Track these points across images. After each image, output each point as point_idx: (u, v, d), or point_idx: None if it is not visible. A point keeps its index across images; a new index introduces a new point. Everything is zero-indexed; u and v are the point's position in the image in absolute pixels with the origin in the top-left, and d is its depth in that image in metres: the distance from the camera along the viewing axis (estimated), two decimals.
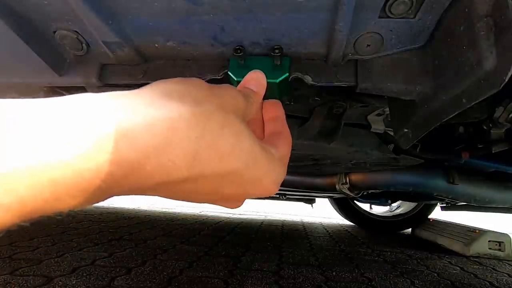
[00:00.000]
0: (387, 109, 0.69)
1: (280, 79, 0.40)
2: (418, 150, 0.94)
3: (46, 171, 0.16)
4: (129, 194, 0.22)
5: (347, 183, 1.35)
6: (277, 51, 0.40)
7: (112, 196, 0.20)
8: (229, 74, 0.42)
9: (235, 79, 0.41)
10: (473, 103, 0.35)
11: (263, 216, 3.65)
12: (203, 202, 0.28)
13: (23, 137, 0.15)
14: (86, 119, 0.17)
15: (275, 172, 0.28)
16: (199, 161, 0.22)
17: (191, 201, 0.27)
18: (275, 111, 0.38)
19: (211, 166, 0.23)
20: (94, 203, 0.19)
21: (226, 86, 0.27)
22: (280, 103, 0.41)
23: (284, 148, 0.32)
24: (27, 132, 0.16)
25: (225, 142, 0.23)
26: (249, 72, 0.36)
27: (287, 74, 0.41)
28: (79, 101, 0.19)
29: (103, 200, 0.20)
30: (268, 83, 0.39)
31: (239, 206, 0.30)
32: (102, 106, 0.19)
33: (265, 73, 0.39)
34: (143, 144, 0.19)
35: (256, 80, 0.34)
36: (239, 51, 0.40)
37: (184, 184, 0.23)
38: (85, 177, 0.17)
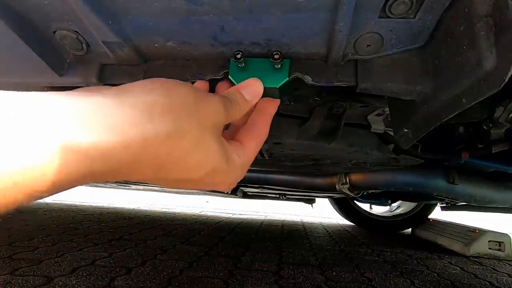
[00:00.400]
0: (387, 109, 0.69)
1: (280, 84, 0.40)
2: (418, 150, 0.94)
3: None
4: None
5: (347, 183, 1.35)
6: (276, 56, 0.39)
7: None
8: (229, 78, 0.42)
9: (236, 83, 0.41)
10: (473, 103, 0.35)
11: (263, 216, 3.65)
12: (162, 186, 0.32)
13: None
14: (57, 135, 0.18)
15: (231, 178, 0.31)
16: (164, 171, 0.24)
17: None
18: (267, 104, 0.39)
19: (174, 175, 0.25)
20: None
21: (212, 99, 0.29)
22: (278, 101, 0.41)
23: (251, 145, 0.34)
24: None
25: (193, 159, 0.25)
26: (249, 79, 0.36)
27: (287, 78, 0.41)
28: (54, 112, 0.19)
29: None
30: (269, 87, 0.40)
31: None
32: (79, 122, 0.19)
33: (265, 77, 0.39)
34: (117, 161, 0.20)
35: (252, 88, 0.36)
36: (238, 56, 0.40)
37: (147, 180, 0.25)
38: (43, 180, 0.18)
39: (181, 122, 0.24)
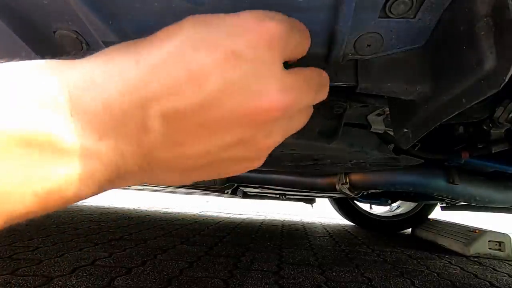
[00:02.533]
0: (387, 109, 0.69)
1: None
2: (418, 150, 0.94)
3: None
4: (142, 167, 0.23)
5: (347, 183, 1.35)
6: None
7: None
8: None
9: None
10: (473, 103, 0.35)
11: (263, 216, 3.65)
12: (220, 168, 0.26)
13: None
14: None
15: (281, 82, 0.25)
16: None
17: (204, 173, 0.26)
18: None
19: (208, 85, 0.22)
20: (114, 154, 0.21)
21: None
22: None
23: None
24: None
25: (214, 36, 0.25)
26: None
27: None
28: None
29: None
30: None
31: (262, 158, 0.28)
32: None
33: None
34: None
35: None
36: None
37: (194, 116, 0.22)
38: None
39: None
